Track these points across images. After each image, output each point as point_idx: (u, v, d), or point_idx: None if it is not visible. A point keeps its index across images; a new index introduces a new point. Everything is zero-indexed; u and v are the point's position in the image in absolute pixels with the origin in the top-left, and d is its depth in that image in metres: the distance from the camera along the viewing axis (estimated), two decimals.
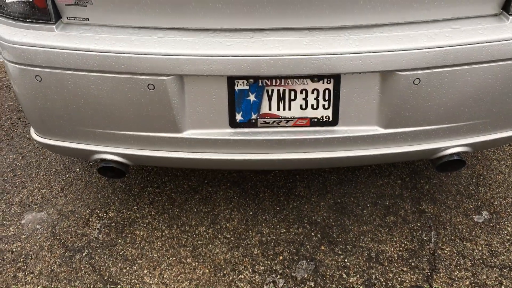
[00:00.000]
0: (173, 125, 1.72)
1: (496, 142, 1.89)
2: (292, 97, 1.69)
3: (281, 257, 2.08)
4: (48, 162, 2.67)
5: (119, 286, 1.98)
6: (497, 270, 2.00)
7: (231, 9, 1.54)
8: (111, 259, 2.10)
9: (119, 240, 2.18)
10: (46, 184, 2.52)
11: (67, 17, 1.63)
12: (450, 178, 2.48)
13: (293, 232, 2.19)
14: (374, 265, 2.03)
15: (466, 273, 1.99)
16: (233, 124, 1.74)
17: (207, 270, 2.04)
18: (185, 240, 2.17)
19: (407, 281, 1.97)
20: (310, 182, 2.47)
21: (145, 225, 2.25)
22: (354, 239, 2.15)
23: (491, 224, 2.21)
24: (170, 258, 2.09)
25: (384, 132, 1.75)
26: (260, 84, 1.66)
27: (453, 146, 1.83)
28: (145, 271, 2.04)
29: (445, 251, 2.08)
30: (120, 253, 2.12)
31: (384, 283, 1.96)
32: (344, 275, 2.00)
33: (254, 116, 1.73)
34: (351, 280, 1.97)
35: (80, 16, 1.62)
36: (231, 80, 1.64)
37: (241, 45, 1.56)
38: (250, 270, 2.03)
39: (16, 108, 3.20)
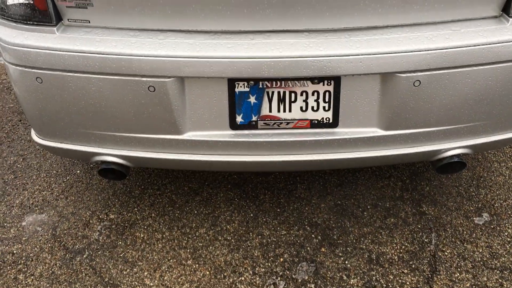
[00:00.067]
0: (174, 127, 1.72)
1: (496, 144, 1.89)
2: (293, 99, 1.69)
3: (281, 259, 2.08)
4: (48, 164, 2.67)
5: None
6: (498, 272, 2.00)
7: (231, 11, 1.54)
8: (112, 261, 2.10)
9: (120, 242, 2.18)
10: (46, 186, 2.52)
11: (68, 19, 1.63)
12: (451, 180, 2.48)
13: (293, 234, 2.19)
14: (375, 267, 2.03)
15: (467, 275, 1.99)
16: (234, 126, 1.74)
17: (207, 272, 2.03)
18: (185, 242, 2.17)
19: (408, 283, 1.96)
20: (310, 184, 2.47)
21: (145, 227, 2.25)
22: (354, 241, 2.15)
23: (492, 226, 2.21)
24: (171, 260, 2.09)
25: (384, 134, 1.75)
26: (261, 86, 1.66)
27: (454, 148, 1.83)
28: (145, 273, 2.04)
29: (446, 253, 2.08)
30: (121, 255, 2.12)
31: (384, 285, 1.95)
32: (345, 277, 1.99)
33: (254, 118, 1.73)
34: (351, 282, 1.97)
35: (81, 18, 1.62)
36: (232, 82, 1.64)
37: (242, 47, 1.56)
38: (251, 272, 2.03)
39: (17, 110, 3.20)
